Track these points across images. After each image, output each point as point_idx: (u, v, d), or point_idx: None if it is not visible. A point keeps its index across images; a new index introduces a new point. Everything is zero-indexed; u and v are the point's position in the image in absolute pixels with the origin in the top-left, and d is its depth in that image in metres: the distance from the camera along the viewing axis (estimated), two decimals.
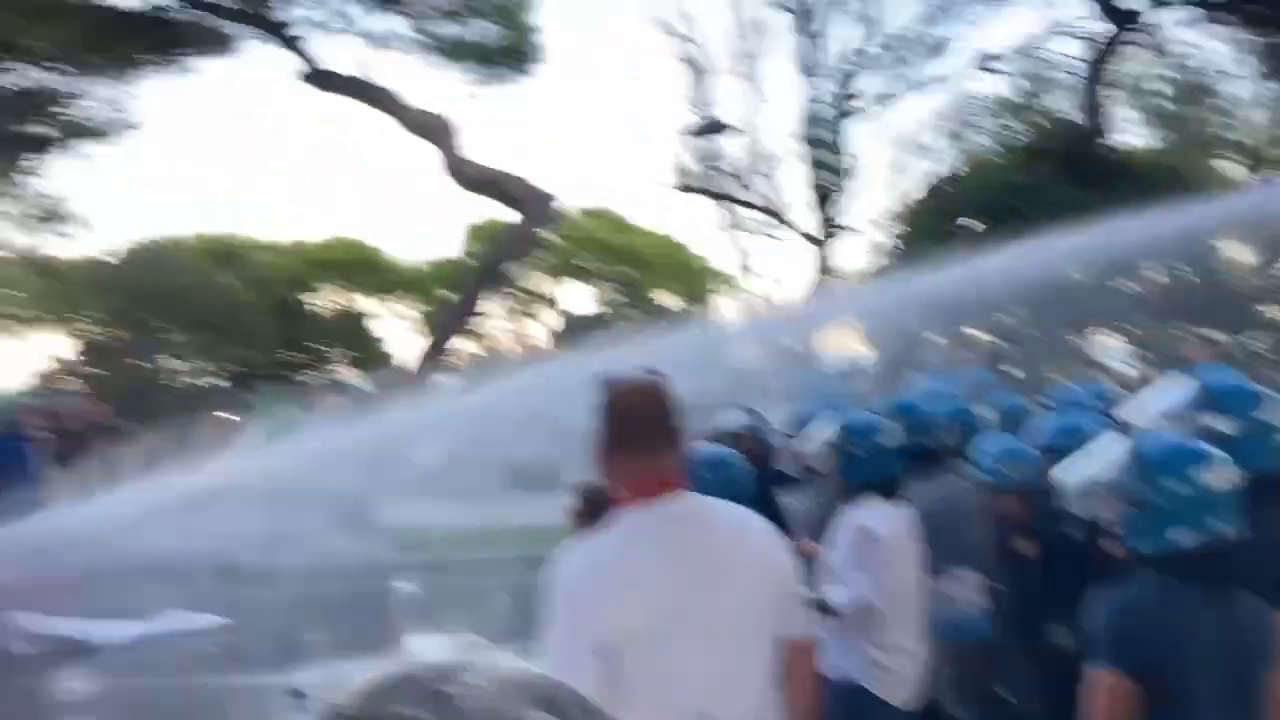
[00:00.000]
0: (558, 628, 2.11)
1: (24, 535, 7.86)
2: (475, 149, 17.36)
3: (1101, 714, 2.30)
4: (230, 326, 17.82)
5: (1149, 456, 2.42)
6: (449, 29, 17.75)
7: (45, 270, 17.96)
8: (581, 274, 26.93)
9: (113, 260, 17.64)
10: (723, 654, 2.14)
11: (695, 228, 57.25)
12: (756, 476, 5.17)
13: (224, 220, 37.68)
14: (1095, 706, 2.30)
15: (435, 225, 51.24)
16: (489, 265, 18.29)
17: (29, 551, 7.93)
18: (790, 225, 20.50)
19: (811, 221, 20.08)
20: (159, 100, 17.71)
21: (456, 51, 17.75)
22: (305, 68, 17.35)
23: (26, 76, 16.35)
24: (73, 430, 11.69)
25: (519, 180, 16.76)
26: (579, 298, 27.55)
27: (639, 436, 2.21)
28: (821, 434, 4.47)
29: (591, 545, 2.25)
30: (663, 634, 2.08)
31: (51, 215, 16.92)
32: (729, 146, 20.12)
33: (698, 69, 20.10)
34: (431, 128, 17.04)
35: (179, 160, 42.57)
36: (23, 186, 16.69)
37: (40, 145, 16.78)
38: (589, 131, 45.63)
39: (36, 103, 16.55)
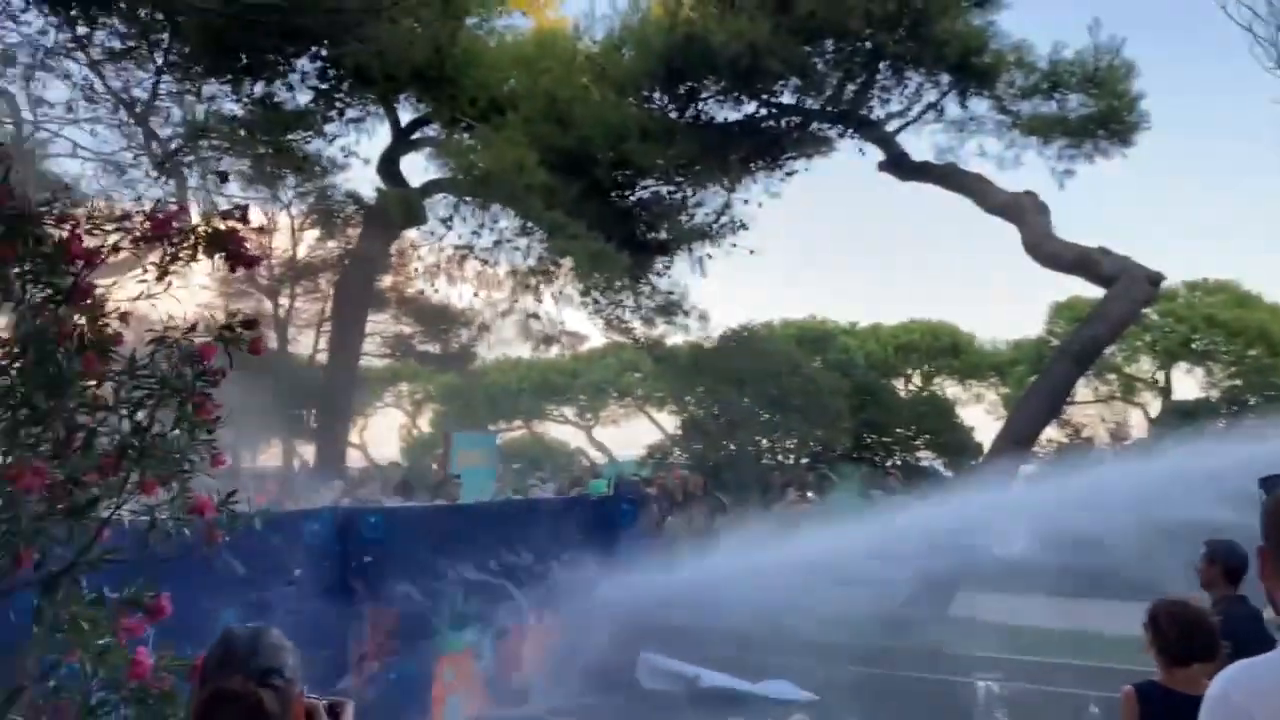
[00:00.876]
0: None
1: (646, 585, 8.94)
2: (1066, 225, 16.49)
3: None
4: (813, 407, 18.61)
5: None
6: (1038, 107, 17.20)
7: (659, 355, 20.36)
8: (1192, 355, 24.10)
9: (709, 345, 19.39)
10: None
11: None
12: None
13: (811, 304, 40.08)
14: None
15: (1019, 305, 49.49)
16: (1078, 346, 17.08)
17: (652, 598, 9.01)
18: None
19: None
20: (762, 199, 19.11)
21: (1046, 128, 17.10)
22: (884, 157, 17.85)
23: (651, 190, 18.91)
24: (673, 497, 13.24)
25: (1112, 256, 15.51)
26: (1187, 382, 24.68)
27: None
28: None
29: (1260, 668, 1.94)
30: None
31: (670, 308, 19.15)
32: None
33: None
34: (1016, 207, 16.51)
35: (771, 249, 46.07)
36: (650, 284, 19.14)
37: (663, 249, 19.18)
38: (1202, 197, 41.18)
39: (658, 212, 19.01)
